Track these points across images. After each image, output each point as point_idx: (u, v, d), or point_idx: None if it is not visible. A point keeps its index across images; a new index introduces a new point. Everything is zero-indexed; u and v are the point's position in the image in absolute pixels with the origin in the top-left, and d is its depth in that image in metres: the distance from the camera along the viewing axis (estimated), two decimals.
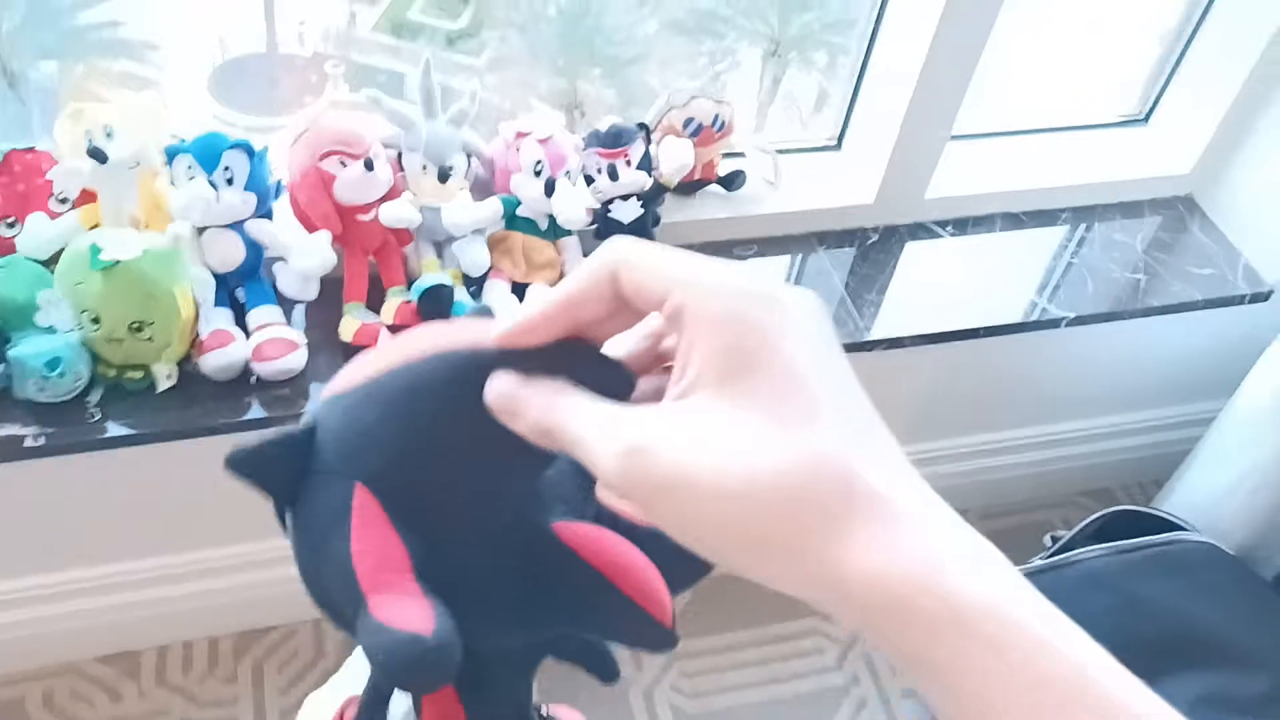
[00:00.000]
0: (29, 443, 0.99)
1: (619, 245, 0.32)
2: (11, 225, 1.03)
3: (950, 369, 1.41)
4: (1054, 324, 1.30)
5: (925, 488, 0.30)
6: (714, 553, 0.30)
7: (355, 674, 0.58)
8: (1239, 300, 1.37)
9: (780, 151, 1.31)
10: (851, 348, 1.20)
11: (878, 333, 1.22)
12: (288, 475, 0.38)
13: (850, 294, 1.26)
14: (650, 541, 0.42)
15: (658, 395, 0.32)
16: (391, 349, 0.37)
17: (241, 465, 0.37)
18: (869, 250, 1.32)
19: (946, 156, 1.30)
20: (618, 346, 0.36)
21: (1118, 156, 1.45)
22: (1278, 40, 1.31)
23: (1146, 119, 1.50)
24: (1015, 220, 1.40)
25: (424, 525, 0.37)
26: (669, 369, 0.33)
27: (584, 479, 0.43)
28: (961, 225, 1.37)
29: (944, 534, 0.28)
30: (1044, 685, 0.26)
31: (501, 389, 0.34)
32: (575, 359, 0.34)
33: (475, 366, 0.34)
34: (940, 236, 1.35)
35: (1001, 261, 1.35)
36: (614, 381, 0.34)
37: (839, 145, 1.36)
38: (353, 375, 0.38)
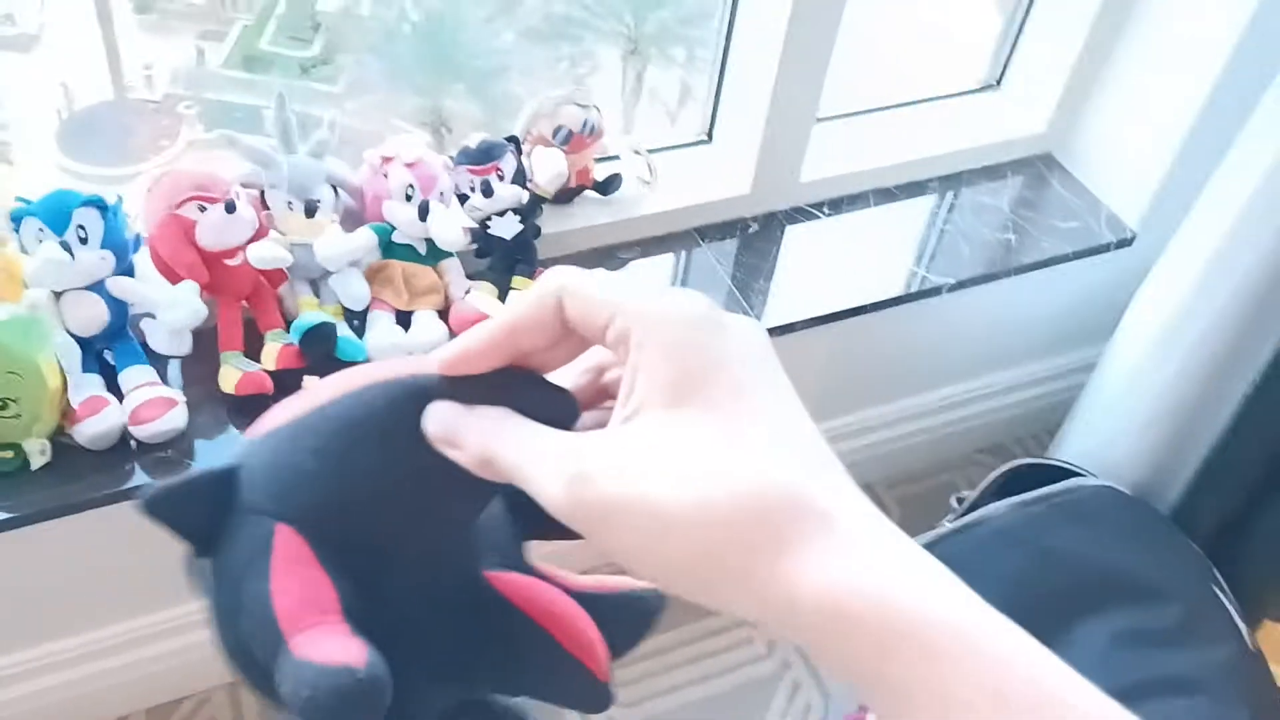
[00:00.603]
0: None
1: (561, 273, 0.32)
2: None
3: (842, 348, 1.43)
4: (935, 292, 1.33)
5: (867, 503, 0.29)
6: (663, 578, 0.29)
7: None
8: (1106, 248, 1.42)
9: (652, 151, 1.30)
10: None
11: (769, 320, 1.23)
12: (207, 518, 0.35)
13: (737, 285, 1.27)
14: (585, 604, 0.41)
15: (600, 429, 0.32)
16: (324, 385, 0.36)
17: (157, 508, 0.35)
18: (751, 240, 1.32)
19: (815, 139, 1.31)
20: (559, 381, 0.35)
21: (976, 123, 1.50)
22: None
23: (999, 84, 1.54)
24: (887, 195, 1.42)
25: (354, 567, 0.35)
26: (609, 404, 0.33)
27: (517, 529, 0.41)
28: (837, 205, 1.39)
29: (890, 550, 0.28)
30: (1001, 698, 0.26)
31: (442, 416, 0.33)
32: (518, 386, 0.33)
33: (413, 395, 0.33)
34: (818, 218, 1.37)
35: (879, 236, 1.38)
36: (558, 409, 0.33)
37: (710, 138, 1.37)
38: (281, 413, 0.36)
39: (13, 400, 0.93)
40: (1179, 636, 1.09)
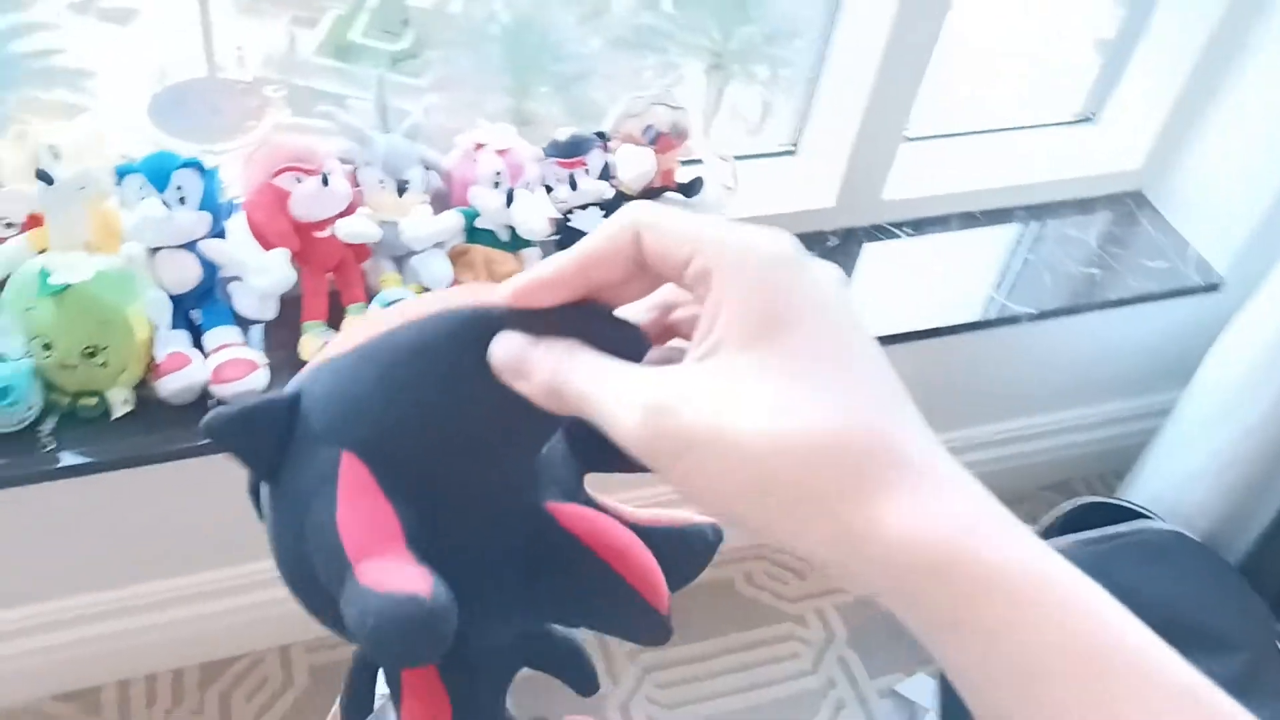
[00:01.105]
0: None
1: (639, 207, 0.31)
2: None
3: (913, 369, 1.40)
4: (1013, 320, 1.31)
5: (946, 452, 0.29)
6: (737, 512, 0.29)
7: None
8: (1192, 291, 1.39)
9: (737, 158, 1.31)
10: None
11: None
12: (269, 443, 0.35)
13: None
14: (642, 538, 0.41)
15: (665, 366, 0.31)
16: (387, 314, 0.35)
17: (220, 431, 0.35)
18: (830, 253, 1.32)
19: (902, 158, 1.31)
20: (626, 316, 0.34)
21: (1068, 155, 1.48)
22: (1216, 40, 1.34)
23: (1094, 118, 1.52)
24: (971, 219, 1.41)
25: (416, 497, 0.35)
26: (673, 342, 0.32)
27: (577, 462, 0.41)
28: (919, 226, 1.38)
29: (972, 498, 0.28)
30: (1086, 650, 0.26)
31: (509, 347, 0.32)
32: (588, 320, 0.32)
33: (479, 325, 0.33)
34: (898, 237, 1.36)
35: (959, 260, 1.37)
36: (627, 344, 0.33)
37: (795, 150, 1.37)
38: (344, 341, 0.36)
39: (101, 348, 0.96)
40: (1242, 687, 1.06)
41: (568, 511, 0.40)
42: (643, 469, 0.31)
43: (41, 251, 1.01)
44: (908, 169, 1.33)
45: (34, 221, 1.02)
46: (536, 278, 0.32)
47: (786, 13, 1.41)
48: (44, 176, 0.97)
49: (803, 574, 1.61)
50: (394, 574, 0.32)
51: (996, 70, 1.67)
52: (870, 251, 1.34)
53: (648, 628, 0.40)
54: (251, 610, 1.31)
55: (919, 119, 1.29)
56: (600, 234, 0.32)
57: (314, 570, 0.35)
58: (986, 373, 1.51)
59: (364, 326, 0.36)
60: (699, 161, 1.30)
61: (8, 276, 0.98)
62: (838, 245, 1.33)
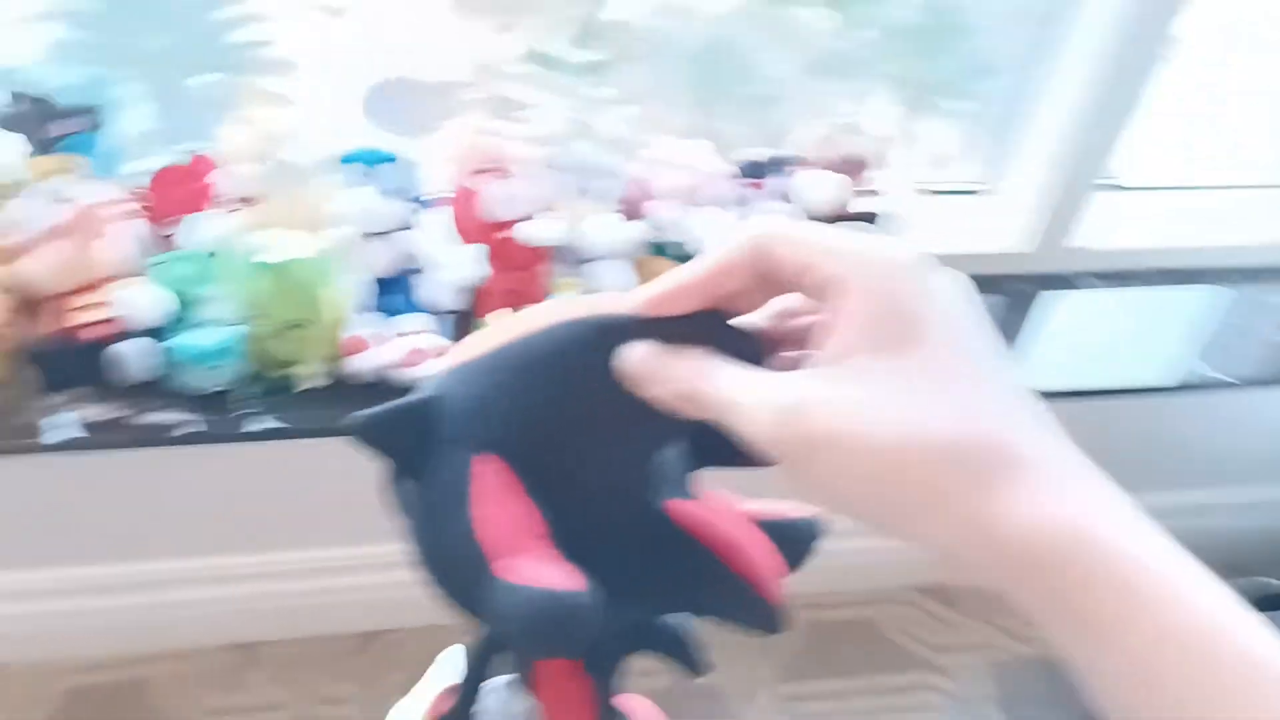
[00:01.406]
0: (180, 430, 1.03)
1: (765, 219, 0.33)
2: (186, 220, 1.08)
3: (1092, 427, 1.35)
4: (1204, 387, 1.25)
5: (1075, 451, 0.30)
6: (864, 510, 0.30)
7: (436, 680, 0.58)
8: None
9: (925, 192, 1.29)
10: None
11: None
12: (410, 443, 0.37)
13: None
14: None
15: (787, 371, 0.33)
16: (515, 320, 0.37)
17: (365, 431, 0.37)
18: (1015, 299, 1.29)
19: (1100, 207, 1.26)
20: (746, 323, 0.36)
21: (1276, 219, 1.39)
22: None
23: None
24: (1167, 276, 1.35)
25: (544, 496, 0.37)
26: (791, 350, 0.34)
27: (688, 460, 0.43)
28: (1109, 278, 1.33)
29: (1101, 496, 0.29)
30: (1201, 644, 0.26)
31: (642, 356, 0.34)
32: (714, 328, 0.34)
33: (607, 333, 0.34)
34: (1091, 288, 1.31)
35: (1151, 317, 1.31)
36: (751, 352, 0.34)
37: (985, 190, 1.34)
38: (478, 345, 0.38)
39: (302, 323, 1.03)
40: None
41: (684, 509, 0.41)
42: (757, 465, 0.33)
43: (260, 228, 1.09)
44: (1102, 218, 1.28)
45: (253, 200, 1.10)
46: (666, 288, 0.34)
47: (990, 48, 1.39)
48: (267, 159, 1.05)
49: (953, 625, 1.57)
50: (543, 570, 0.34)
51: (1209, 124, 1.59)
52: (1059, 301, 1.30)
53: (760, 618, 0.41)
54: (405, 588, 1.36)
55: (1119, 167, 1.25)
56: (726, 246, 0.33)
57: (452, 563, 0.37)
58: (1172, 439, 1.44)
59: (496, 331, 0.37)
60: (885, 193, 1.29)
61: (226, 248, 1.05)
62: (1022, 290, 1.30)
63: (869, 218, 1.25)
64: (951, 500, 0.29)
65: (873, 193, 1.28)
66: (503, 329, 0.37)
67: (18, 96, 1.00)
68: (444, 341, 1.09)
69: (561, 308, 0.36)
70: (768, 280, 0.33)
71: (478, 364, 0.37)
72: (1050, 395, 1.00)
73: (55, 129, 1.01)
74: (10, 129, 1.01)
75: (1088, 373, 1.23)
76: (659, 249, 1.17)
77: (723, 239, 0.33)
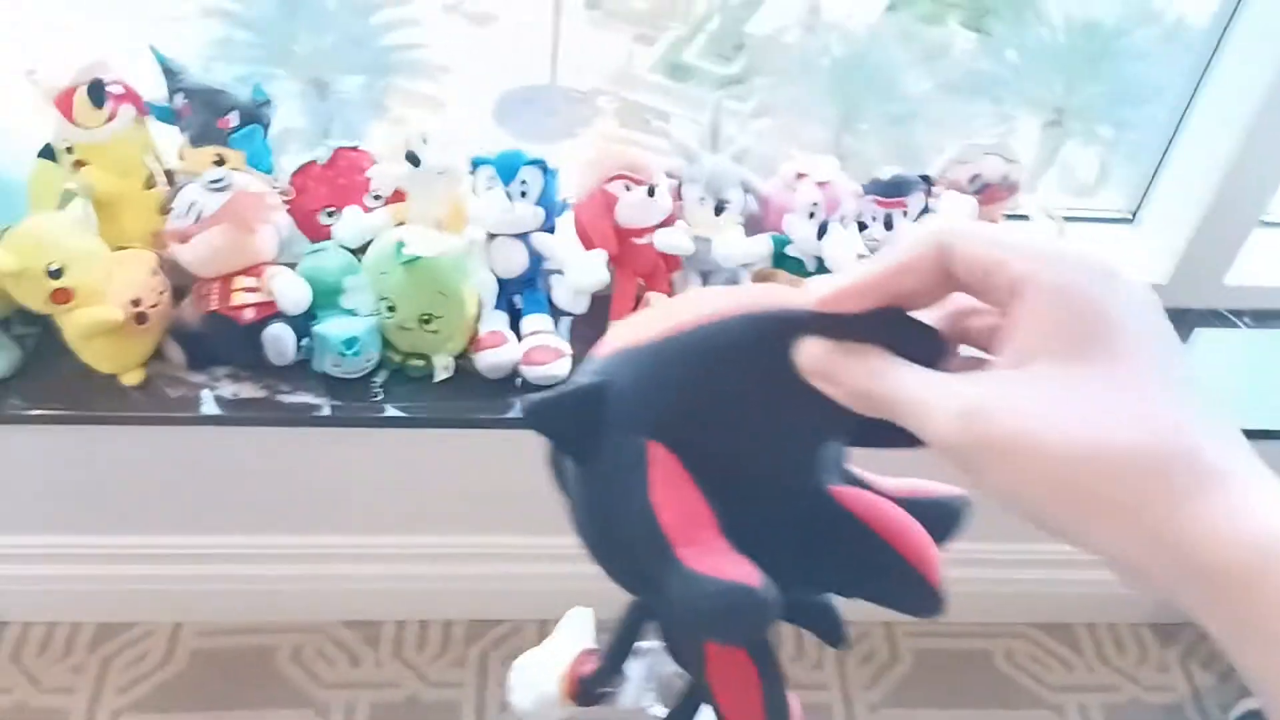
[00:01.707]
0: (320, 412, 1.08)
1: (946, 219, 0.33)
2: (331, 215, 1.14)
3: None
4: None
5: (1262, 465, 0.29)
6: (1047, 517, 0.30)
7: (567, 639, 0.60)
8: None
9: (1067, 219, 1.25)
10: None
11: None
12: (581, 428, 0.38)
13: None
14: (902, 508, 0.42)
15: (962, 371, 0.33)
16: (682, 307, 0.37)
17: (538, 417, 0.38)
18: None
19: (1254, 243, 1.20)
20: (924, 322, 0.35)
21: None
22: None
23: None
24: None
25: (716, 483, 0.37)
26: (964, 349, 0.34)
27: (845, 450, 0.43)
28: (1262, 318, 1.26)
29: None
30: None
31: (819, 352, 0.34)
32: (892, 325, 0.34)
33: (784, 327, 0.34)
34: (1237, 327, 1.25)
35: None
36: (929, 350, 0.34)
37: (1132, 218, 1.29)
38: (641, 330, 0.38)
39: (436, 317, 1.07)
40: None
41: (849, 495, 0.41)
42: (914, 447, 0.33)
43: (400, 224, 1.14)
44: (1259, 255, 1.22)
45: (398, 197, 1.15)
46: (846, 285, 0.34)
47: (1140, 76, 1.34)
48: (412, 159, 1.09)
49: (1070, 664, 1.52)
50: (721, 562, 0.35)
51: None
52: (1202, 337, 1.24)
53: (922, 600, 0.42)
54: (522, 580, 1.40)
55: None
56: (907, 244, 0.33)
57: (628, 544, 0.38)
58: None
59: (662, 317, 0.37)
60: (1025, 217, 1.26)
61: (369, 242, 1.10)
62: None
63: None
64: (1139, 511, 0.28)
65: (1018, 217, 1.25)
66: (668, 314, 0.37)
67: (187, 91, 1.07)
68: (563, 342, 1.12)
69: (735, 297, 0.36)
70: (948, 279, 0.33)
71: (648, 349, 0.37)
72: None
73: (218, 122, 1.07)
74: (174, 121, 1.08)
75: (1234, 415, 1.17)
76: (781, 262, 1.17)
77: (904, 236, 0.33)
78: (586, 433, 0.37)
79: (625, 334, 0.38)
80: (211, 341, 1.07)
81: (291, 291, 1.04)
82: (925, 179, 1.17)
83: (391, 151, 1.13)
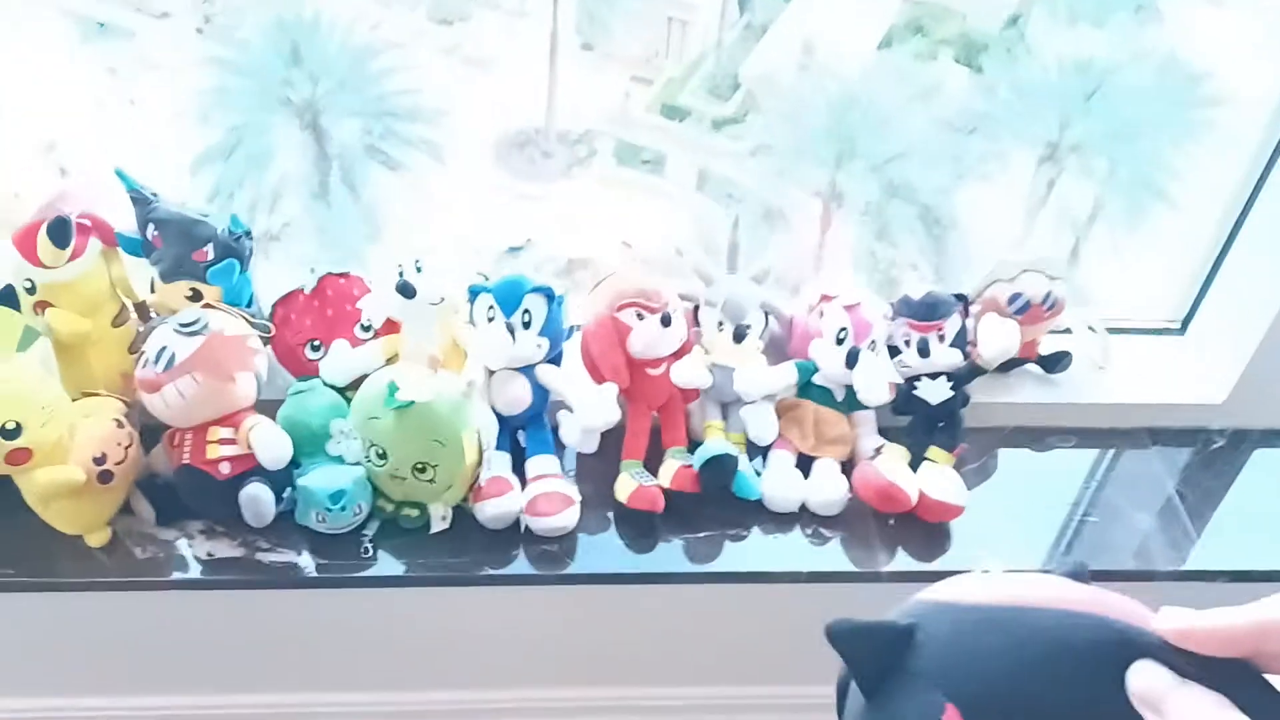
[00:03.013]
0: (304, 572, 0.98)
1: None
2: (316, 349, 1.05)
3: None
4: None
5: None
6: None
7: None
8: None
9: (1112, 331, 1.16)
10: (1184, 575, 1.03)
11: (1217, 560, 1.05)
12: (882, 661, 0.38)
13: (1186, 506, 1.09)
14: None
15: None
16: (1016, 584, 0.37)
17: (844, 639, 0.38)
18: (1212, 456, 1.14)
19: None
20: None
21: None
22: None
23: None
24: None
25: None
26: None
27: None
28: None
29: None
30: None
31: (1155, 682, 0.33)
32: (1242, 681, 0.33)
33: (1126, 646, 0.34)
34: None
35: None
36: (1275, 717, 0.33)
37: (1183, 329, 1.20)
38: (964, 592, 0.38)
39: (432, 465, 0.97)
40: None
41: None
42: None
43: (392, 359, 1.04)
44: None
45: (390, 327, 1.06)
46: (1206, 625, 0.32)
47: (1132, 112, 1.28)
48: (404, 289, 1.00)
49: None
50: None
51: None
52: (1264, 460, 1.15)
53: None
54: None
55: None
56: None
57: None
58: None
59: (1001, 585, 0.37)
60: (1067, 331, 1.17)
61: (358, 379, 1.01)
62: (1223, 447, 1.15)
63: (1053, 361, 1.13)
64: None
65: (1060, 332, 1.16)
66: (1009, 584, 0.37)
67: (158, 222, 0.98)
68: (572, 488, 1.02)
69: (1087, 597, 0.36)
70: None
71: (971, 611, 0.37)
72: (1261, 575, 0.84)
73: (193, 255, 0.98)
74: (145, 254, 1.00)
75: None
76: (807, 391, 1.08)
77: (1275, 599, 0.32)
78: (886, 669, 0.38)
79: (956, 589, 0.38)
80: (187, 495, 0.98)
81: (272, 447, 0.94)
82: (961, 298, 1.08)
83: (381, 277, 1.05)
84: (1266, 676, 0.33)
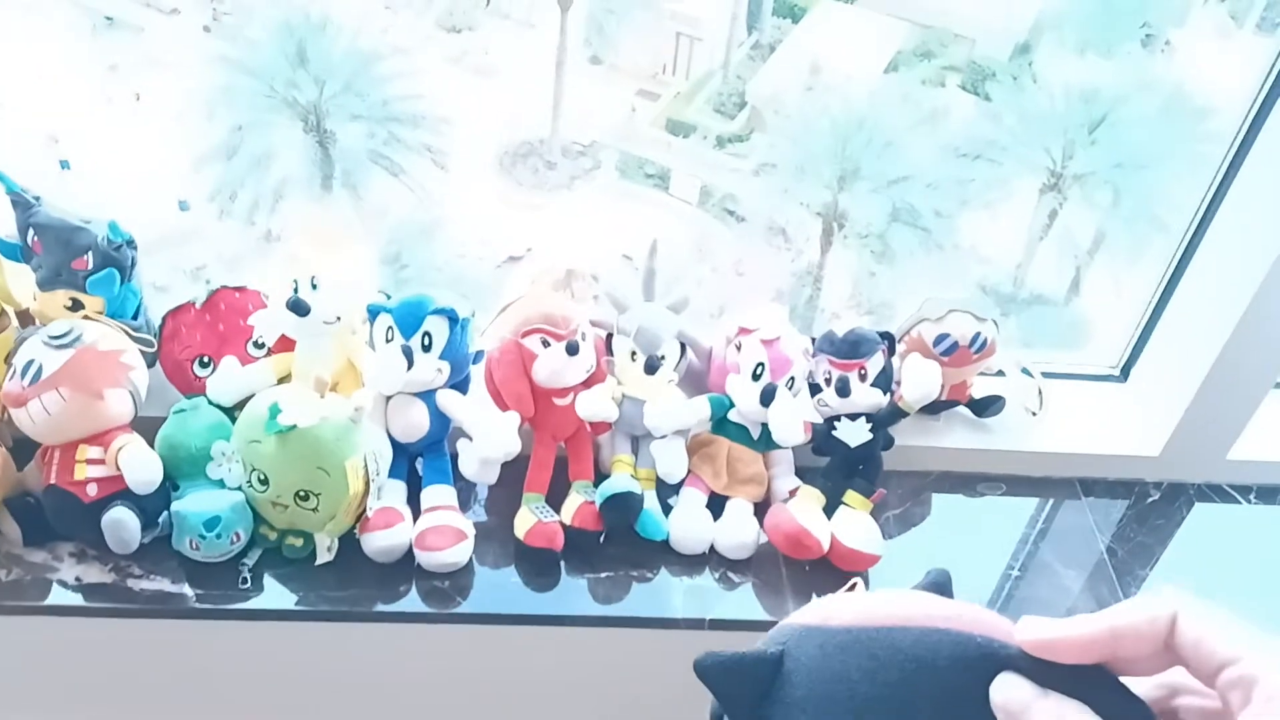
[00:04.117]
0: (182, 602, 0.93)
1: (1184, 595, 0.33)
2: (205, 365, 0.99)
3: None
4: None
5: None
6: None
7: None
8: None
9: (1048, 375, 1.12)
10: None
11: None
12: (753, 693, 0.37)
13: (1113, 562, 1.04)
14: None
15: None
16: (880, 602, 0.37)
17: (712, 674, 0.37)
18: (1146, 510, 1.09)
19: (1265, 411, 1.06)
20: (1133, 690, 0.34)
21: None
22: None
23: None
24: None
25: None
26: None
27: None
28: (1270, 495, 1.12)
29: None
30: None
31: (1017, 694, 0.33)
32: (1100, 686, 0.33)
33: (987, 660, 0.34)
34: (1239, 503, 1.11)
35: None
36: (1135, 718, 0.33)
37: (1123, 376, 1.15)
38: (831, 613, 0.37)
39: (314, 494, 0.92)
40: None
41: None
42: None
43: (283, 379, 0.99)
44: (1267, 425, 1.08)
45: (285, 344, 1.00)
46: (1063, 635, 0.33)
47: (1138, 143, 1.24)
48: (297, 307, 0.95)
49: None
50: None
51: None
52: (1200, 515, 1.10)
53: None
54: None
55: None
56: (1136, 609, 0.33)
57: None
58: None
59: (863, 604, 0.37)
60: (1000, 374, 1.12)
61: (247, 398, 0.96)
62: (1157, 500, 1.10)
63: (984, 405, 1.09)
64: None
65: (995, 374, 1.11)
66: (870, 603, 0.37)
67: (38, 227, 0.93)
68: (466, 523, 0.97)
69: (944, 612, 0.36)
70: (1170, 654, 0.33)
71: (836, 634, 0.37)
72: None
73: (72, 263, 0.93)
74: (25, 259, 0.95)
75: (1235, 598, 1.02)
76: (722, 427, 1.03)
77: (1134, 603, 0.33)
78: (756, 700, 0.37)
79: (822, 611, 0.38)
80: (55, 517, 0.93)
81: (140, 469, 0.89)
82: (886, 336, 1.03)
83: (280, 294, 1.00)
84: (1122, 680, 0.34)
